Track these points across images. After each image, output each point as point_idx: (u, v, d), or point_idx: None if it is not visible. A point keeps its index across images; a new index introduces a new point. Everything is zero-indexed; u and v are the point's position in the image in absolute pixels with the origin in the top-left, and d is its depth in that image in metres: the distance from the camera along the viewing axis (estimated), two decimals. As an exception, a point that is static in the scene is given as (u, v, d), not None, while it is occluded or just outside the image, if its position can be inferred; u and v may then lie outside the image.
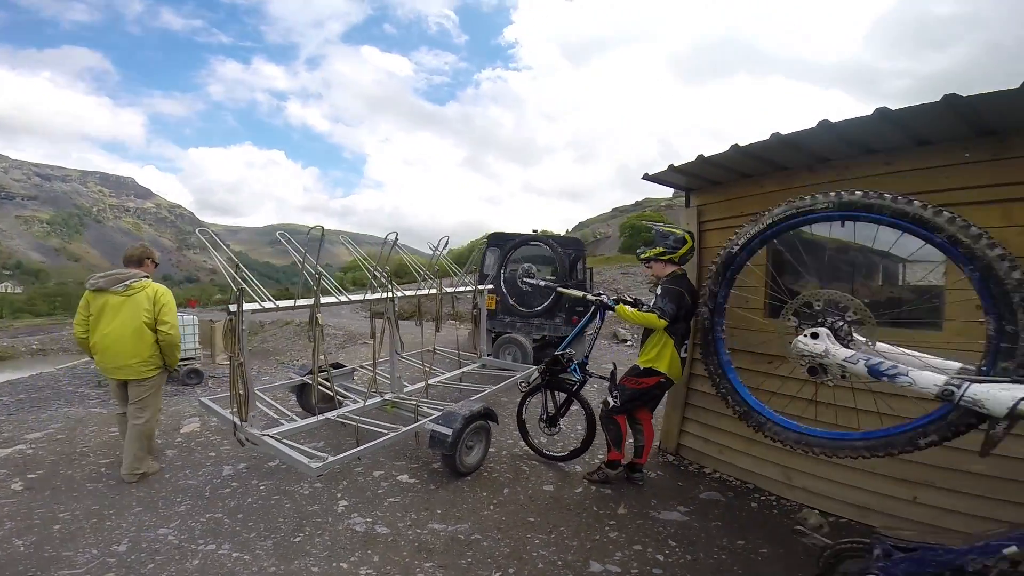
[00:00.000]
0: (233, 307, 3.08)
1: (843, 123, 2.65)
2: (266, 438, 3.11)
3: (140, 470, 3.39)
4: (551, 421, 3.82)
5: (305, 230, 3.57)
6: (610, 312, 3.43)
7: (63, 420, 4.83)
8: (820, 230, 2.58)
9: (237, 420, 3.18)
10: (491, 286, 5.67)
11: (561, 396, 3.83)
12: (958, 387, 1.39)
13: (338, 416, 3.73)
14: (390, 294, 3.91)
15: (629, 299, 3.44)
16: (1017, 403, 1.30)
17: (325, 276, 3.51)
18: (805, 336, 1.71)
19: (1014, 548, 1.31)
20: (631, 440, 3.50)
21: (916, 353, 1.73)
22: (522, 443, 4.05)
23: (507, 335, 6.52)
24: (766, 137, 3.00)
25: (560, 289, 4.07)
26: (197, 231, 3.86)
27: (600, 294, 3.57)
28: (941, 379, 1.43)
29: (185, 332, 7.32)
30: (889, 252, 2.45)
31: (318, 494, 3.20)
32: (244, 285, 3.11)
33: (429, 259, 4.58)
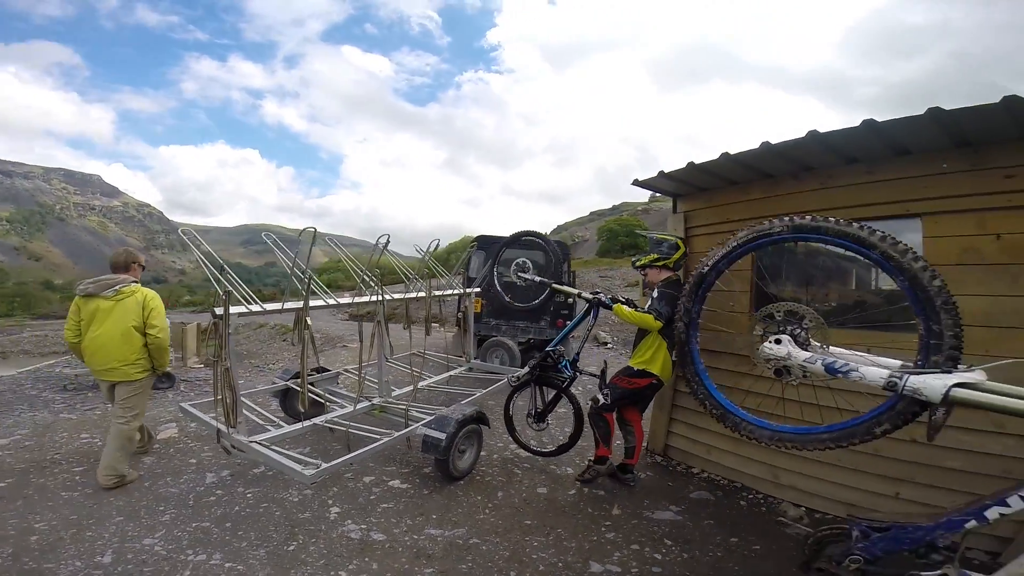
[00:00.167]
0: (219, 310, 3.00)
1: (831, 133, 2.75)
2: (255, 445, 3.03)
3: (118, 473, 3.27)
4: (539, 417, 3.84)
5: (278, 230, 3.51)
6: (606, 311, 3.48)
7: (30, 426, 4.61)
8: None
9: (223, 427, 3.09)
10: (478, 289, 5.66)
11: (550, 393, 3.84)
12: (900, 379, 1.55)
13: (326, 421, 3.67)
14: (379, 297, 3.87)
15: (622, 299, 3.49)
16: (949, 389, 1.47)
17: (314, 279, 3.46)
18: (770, 343, 1.88)
19: (974, 522, 1.46)
20: (620, 441, 3.55)
21: (862, 354, 1.90)
22: (512, 446, 4.06)
23: (494, 338, 6.51)
24: (753, 145, 3.10)
25: (555, 286, 4.04)
26: (179, 231, 3.75)
27: (597, 292, 3.61)
28: (886, 372, 1.60)
29: None
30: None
31: (308, 501, 3.13)
32: (230, 288, 3.03)
33: (419, 261, 4.54)
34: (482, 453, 3.80)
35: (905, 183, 2.87)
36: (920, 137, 2.64)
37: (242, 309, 3.16)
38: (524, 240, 4.84)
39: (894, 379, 1.56)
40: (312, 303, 3.38)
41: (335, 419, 3.70)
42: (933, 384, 1.49)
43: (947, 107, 2.27)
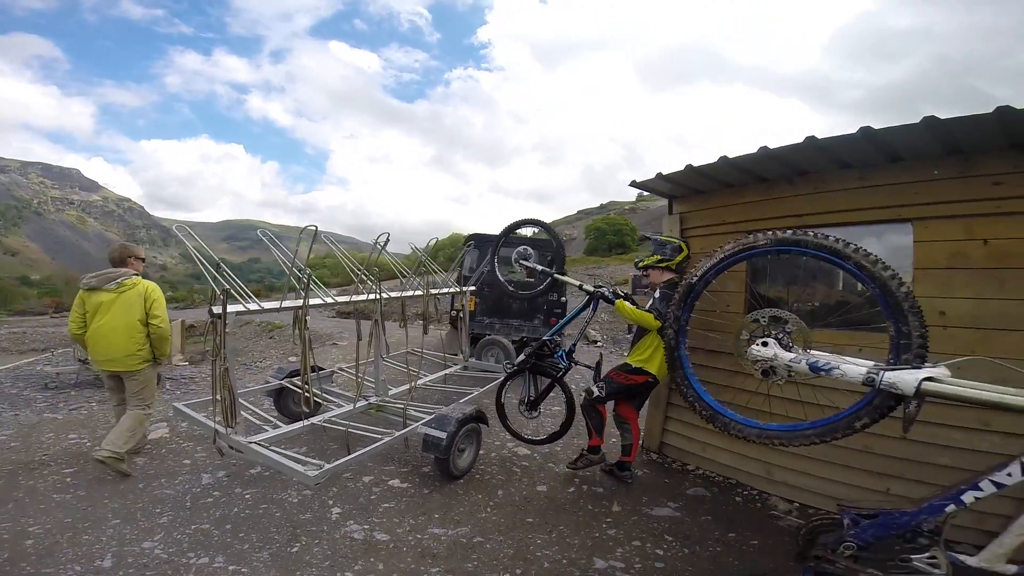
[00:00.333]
0: (216, 309, 2.96)
1: (828, 140, 2.82)
2: (254, 446, 3.00)
3: (115, 450, 3.32)
4: (532, 405, 3.87)
5: (262, 226, 3.50)
6: (608, 306, 3.51)
7: (14, 426, 4.49)
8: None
9: (221, 427, 3.06)
10: (473, 287, 5.65)
11: (543, 382, 3.87)
12: (877, 375, 1.67)
13: (325, 421, 3.65)
14: (377, 295, 3.85)
15: (621, 293, 3.53)
16: (920, 383, 1.57)
17: (313, 279, 3.43)
18: (757, 345, 1.98)
19: (953, 506, 1.57)
20: (616, 439, 3.60)
21: (837, 355, 2.03)
22: (510, 443, 4.08)
23: (488, 337, 6.53)
24: (742, 147, 3.20)
25: (557, 275, 3.96)
26: (173, 228, 3.70)
27: (600, 286, 3.61)
28: (864, 369, 1.72)
29: None
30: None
31: (308, 502, 3.12)
32: (228, 286, 3.00)
33: (407, 259, 4.53)
34: (480, 452, 3.82)
35: (897, 188, 2.96)
36: (914, 144, 2.72)
37: (240, 307, 3.12)
38: (528, 226, 4.73)
39: (872, 375, 1.68)
40: (311, 302, 3.35)
41: (333, 419, 3.68)
42: (906, 379, 1.60)
43: (929, 110, 2.39)
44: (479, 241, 6.91)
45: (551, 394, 3.93)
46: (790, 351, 1.98)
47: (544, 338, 3.82)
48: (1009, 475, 1.50)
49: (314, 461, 2.84)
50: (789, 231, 2.20)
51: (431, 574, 2.43)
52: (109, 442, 3.37)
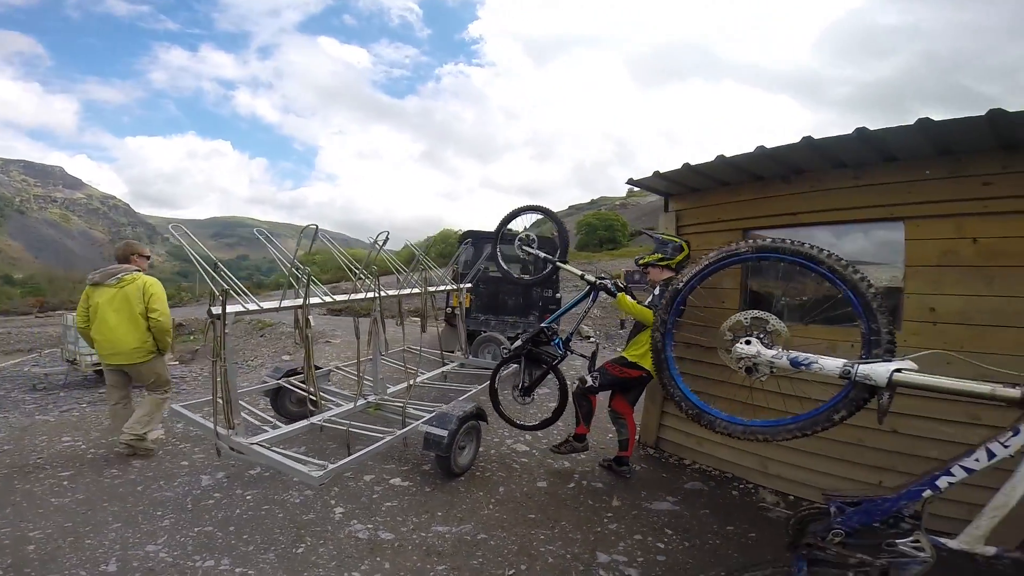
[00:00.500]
0: (216, 309, 2.94)
1: (825, 140, 2.87)
2: (256, 447, 3.00)
3: (137, 433, 3.58)
4: (526, 391, 3.91)
5: (251, 223, 3.49)
6: (602, 301, 3.54)
7: (5, 429, 4.43)
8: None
9: (221, 429, 3.05)
10: (470, 284, 5.66)
11: (537, 369, 3.91)
12: (852, 368, 1.76)
13: (325, 420, 3.64)
14: (376, 294, 3.85)
15: (622, 286, 3.56)
16: (891, 374, 1.67)
17: (313, 280, 3.42)
18: (741, 344, 2.07)
19: (929, 491, 1.64)
20: (612, 434, 3.65)
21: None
22: (509, 440, 4.11)
23: (485, 334, 6.55)
24: (734, 144, 3.31)
25: (559, 263, 3.92)
26: (170, 226, 3.67)
27: (603, 278, 3.63)
28: (840, 363, 1.81)
29: None
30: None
31: (310, 502, 3.13)
32: (226, 285, 2.98)
33: (415, 257, 4.53)
34: (480, 449, 3.85)
35: (890, 188, 3.02)
36: (907, 145, 2.78)
37: (239, 307, 3.11)
38: (530, 212, 4.65)
39: (847, 368, 1.78)
40: (296, 302, 3.34)
41: (333, 418, 3.68)
42: (879, 370, 1.71)
43: (917, 107, 2.47)
44: (475, 238, 6.92)
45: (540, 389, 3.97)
46: (771, 349, 2.07)
47: (542, 325, 3.85)
48: (977, 460, 1.59)
49: (317, 461, 2.85)
50: (769, 239, 2.32)
51: (437, 572, 2.45)
52: (129, 427, 3.61)
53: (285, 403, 4.54)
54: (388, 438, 3.24)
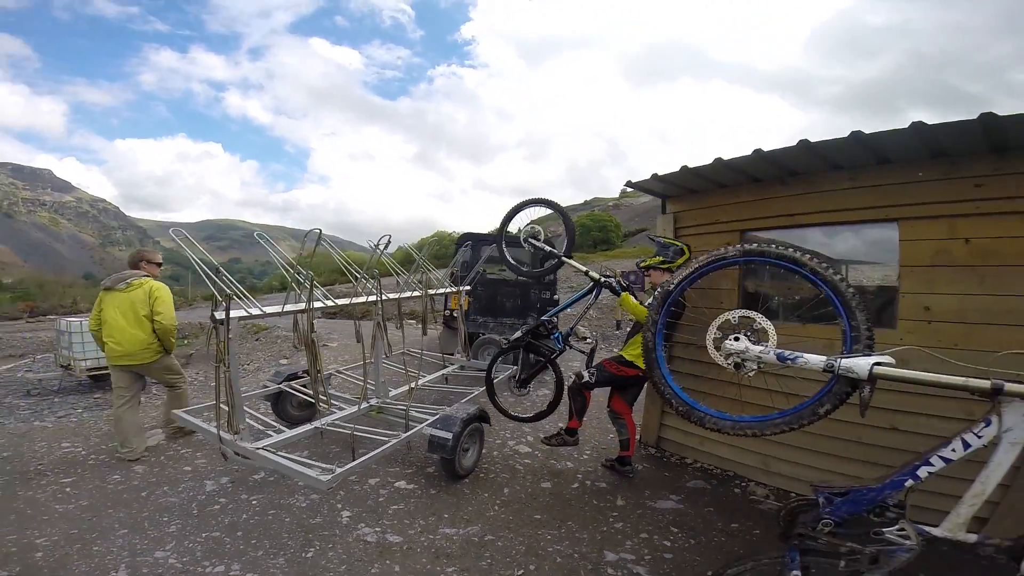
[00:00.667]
0: (219, 314, 2.95)
1: (821, 143, 2.93)
2: (262, 452, 3.00)
3: (172, 422, 3.92)
4: (522, 383, 3.95)
5: (242, 226, 3.50)
6: (600, 300, 3.58)
7: (3, 435, 4.39)
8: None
9: (225, 433, 3.05)
10: (468, 287, 5.68)
11: (535, 362, 3.96)
12: (835, 362, 1.84)
13: (329, 424, 3.65)
14: (378, 297, 3.86)
15: (625, 284, 3.59)
16: (872, 367, 1.75)
17: (317, 285, 3.44)
18: (730, 340, 2.15)
19: (911, 481, 1.73)
20: (613, 434, 3.69)
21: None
22: (511, 442, 4.14)
23: (484, 336, 6.57)
24: (747, 152, 3.26)
25: (564, 258, 3.88)
26: (171, 231, 3.65)
27: (608, 275, 3.67)
28: (824, 358, 1.89)
29: None
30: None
31: (317, 506, 3.14)
32: (229, 290, 2.98)
33: (415, 260, 4.54)
34: (483, 450, 3.87)
35: (884, 189, 3.09)
36: (901, 148, 2.84)
37: (242, 312, 3.11)
38: (535, 205, 4.59)
39: (831, 362, 1.86)
40: (299, 306, 3.35)
41: (337, 421, 3.69)
42: (860, 364, 1.79)
43: (905, 106, 2.57)
44: (474, 241, 6.94)
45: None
46: (758, 345, 2.15)
47: (543, 318, 3.88)
48: (953, 450, 1.68)
49: (324, 465, 2.86)
50: (755, 244, 2.41)
51: (447, 574, 2.48)
52: (164, 423, 4.11)
53: (286, 407, 4.55)
54: (393, 441, 3.26)
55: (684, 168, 3.64)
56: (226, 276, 3.09)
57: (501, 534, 2.83)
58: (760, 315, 2.19)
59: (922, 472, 1.72)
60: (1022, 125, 2.38)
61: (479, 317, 7.04)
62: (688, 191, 4.16)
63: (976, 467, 1.67)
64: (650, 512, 3.11)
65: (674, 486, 3.50)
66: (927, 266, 2.95)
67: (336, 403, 4.19)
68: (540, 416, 3.93)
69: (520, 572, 2.49)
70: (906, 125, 2.61)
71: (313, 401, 4.13)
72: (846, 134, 2.79)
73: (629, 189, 4.92)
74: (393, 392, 4.42)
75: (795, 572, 1.86)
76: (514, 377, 3.94)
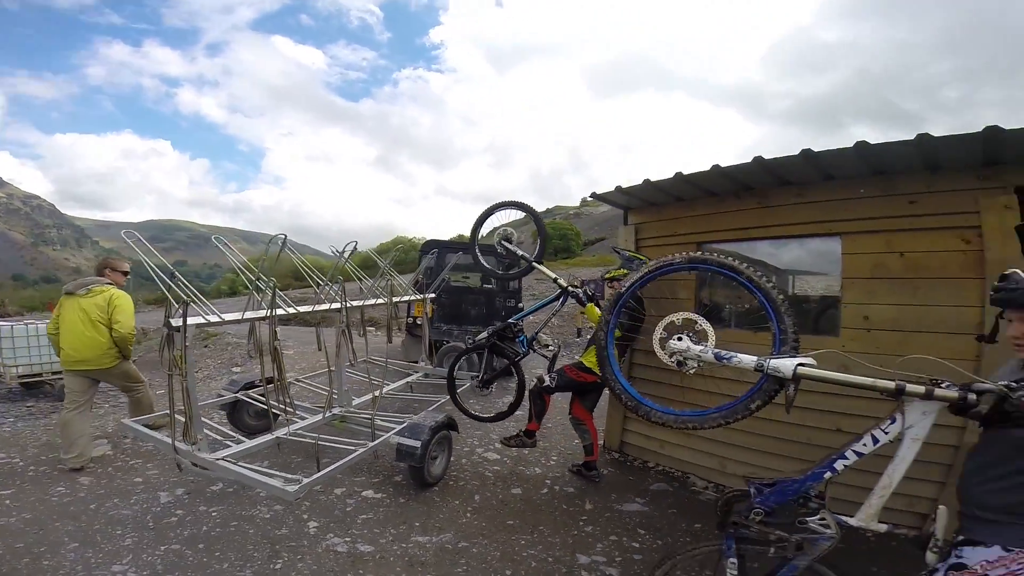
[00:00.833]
0: (175, 321, 2.83)
1: (772, 160, 3.13)
2: (222, 462, 2.89)
3: (156, 423, 3.61)
4: (485, 383, 4.01)
5: (190, 227, 3.41)
6: (563, 310, 3.67)
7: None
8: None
9: (181, 444, 2.92)
10: (433, 295, 5.66)
11: (500, 363, 4.01)
12: (765, 362, 1.99)
13: (290, 433, 3.55)
14: (342, 304, 3.80)
15: (590, 293, 3.70)
16: (795, 367, 1.90)
17: (278, 291, 3.35)
18: (674, 340, 2.31)
19: (829, 473, 1.87)
20: (578, 441, 3.78)
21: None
22: (480, 449, 4.15)
23: (448, 344, 6.55)
24: (705, 167, 3.44)
25: (535, 264, 3.92)
26: (122, 232, 3.48)
27: (577, 285, 3.78)
28: (755, 358, 2.04)
29: (36, 342, 6.55)
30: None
31: (281, 517, 3.05)
32: (185, 297, 2.87)
33: (380, 268, 4.50)
34: (451, 458, 3.86)
35: (829, 205, 3.32)
36: (845, 165, 3.08)
37: (199, 319, 2.99)
38: (509, 208, 4.60)
39: (761, 362, 2.01)
40: (260, 313, 3.26)
41: (300, 431, 3.59)
42: (786, 364, 1.94)
43: (849, 122, 2.80)
44: (439, 249, 6.93)
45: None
46: (698, 345, 2.31)
47: (509, 321, 3.93)
48: (864, 445, 1.83)
49: (290, 476, 2.78)
50: (699, 252, 2.59)
51: (422, 581, 2.47)
52: (144, 421, 3.75)
53: (243, 416, 4.38)
54: (360, 450, 3.21)
55: (647, 181, 3.80)
56: (181, 280, 2.97)
57: (475, 541, 2.84)
58: (701, 318, 2.36)
59: (838, 465, 1.87)
60: (952, 145, 2.63)
61: (443, 324, 7.02)
62: (649, 204, 4.33)
63: (885, 461, 1.83)
64: (617, 515, 3.20)
65: (638, 489, 3.61)
66: (867, 278, 3.19)
67: (296, 412, 4.08)
68: (500, 416, 3.98)
69: (496, 577, 2.52)
70: (847, 139, 2.89)
71: (279, 411, 4.01)
72: (795, 150, 3.00)
73: (591, 198, 5.06)
74: (357, 401, 4.34)
75: (731, 559, 2.00)
76: (476, 377, 3.98)
